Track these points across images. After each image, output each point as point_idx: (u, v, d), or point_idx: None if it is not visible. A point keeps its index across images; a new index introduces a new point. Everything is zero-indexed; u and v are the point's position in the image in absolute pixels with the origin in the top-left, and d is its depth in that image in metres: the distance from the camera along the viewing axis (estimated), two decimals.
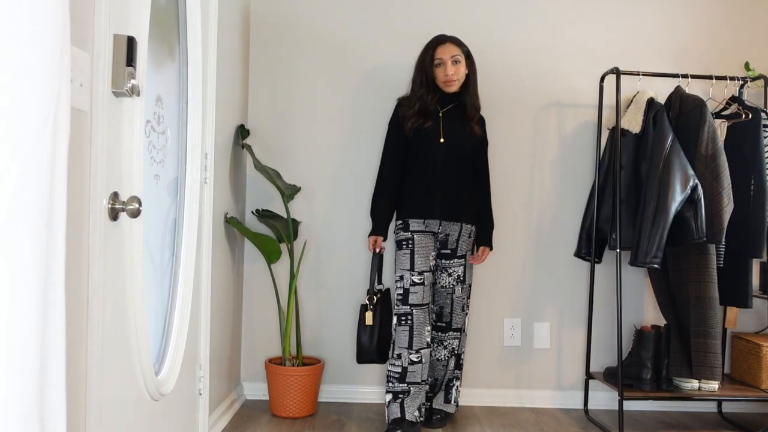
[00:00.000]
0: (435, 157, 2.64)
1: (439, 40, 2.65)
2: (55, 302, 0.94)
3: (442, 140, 2.63)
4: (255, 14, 3.08)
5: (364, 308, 2.69)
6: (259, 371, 3.02)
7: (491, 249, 2.79)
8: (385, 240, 2.73)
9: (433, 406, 2.76)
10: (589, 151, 3.09)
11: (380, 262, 2.75)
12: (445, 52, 2.61)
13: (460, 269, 2.69)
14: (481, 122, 2.77)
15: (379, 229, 2.70)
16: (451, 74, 2.60)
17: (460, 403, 2.87)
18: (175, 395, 1.98)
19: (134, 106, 1.57)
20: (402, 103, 2.71)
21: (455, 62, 2.60)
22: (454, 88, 2.64)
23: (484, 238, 2.78)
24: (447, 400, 2.76)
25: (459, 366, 2.78)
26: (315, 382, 2.83)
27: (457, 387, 2.78)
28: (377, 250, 2.72)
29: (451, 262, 2.68)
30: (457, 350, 2.75)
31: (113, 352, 1.51)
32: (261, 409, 2.88)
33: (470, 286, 2.77)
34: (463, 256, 2.69)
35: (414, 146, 2.66)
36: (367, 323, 2.66)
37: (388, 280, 2.91)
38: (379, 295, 2.71)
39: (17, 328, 0.84)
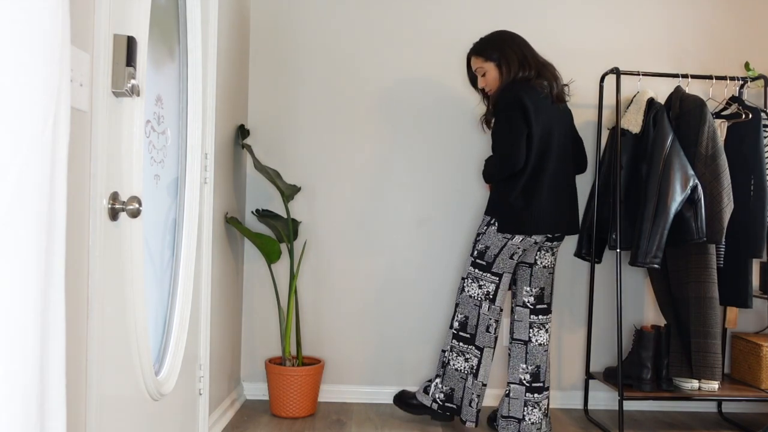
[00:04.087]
0: None
1: (467, 56, 2.65)
2: (55, 302, 0.94)
3: None
4: (255, 14, 3.08)
5: None
6: (259, 371, 3.02)
7: None
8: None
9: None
10: (589, 151, 3.07)
11: None
12: (472, 67, 2.64)
13: None
14: (495, 108, 2.54)
15: None
16: (483, 87, 2.62)
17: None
18: (175, 395, 1.98)
19: (134, 106, 1.57)
20: None
21: (481, 75, 2.60)
22: (493, 93, 2.59)
23: None
24: (425, 391, 2.65)
25: (441, 363, 2.61)
26: (315, 382, 2.83)
27: (437, 384, 2.60)
28: None
29: None
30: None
31: (113, 352, 1.51)
32: (261, 409, 2.88)
33: (462, 278, 2.62)
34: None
35: None
36: None
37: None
38: None
39: (17, 328, 0.84)
